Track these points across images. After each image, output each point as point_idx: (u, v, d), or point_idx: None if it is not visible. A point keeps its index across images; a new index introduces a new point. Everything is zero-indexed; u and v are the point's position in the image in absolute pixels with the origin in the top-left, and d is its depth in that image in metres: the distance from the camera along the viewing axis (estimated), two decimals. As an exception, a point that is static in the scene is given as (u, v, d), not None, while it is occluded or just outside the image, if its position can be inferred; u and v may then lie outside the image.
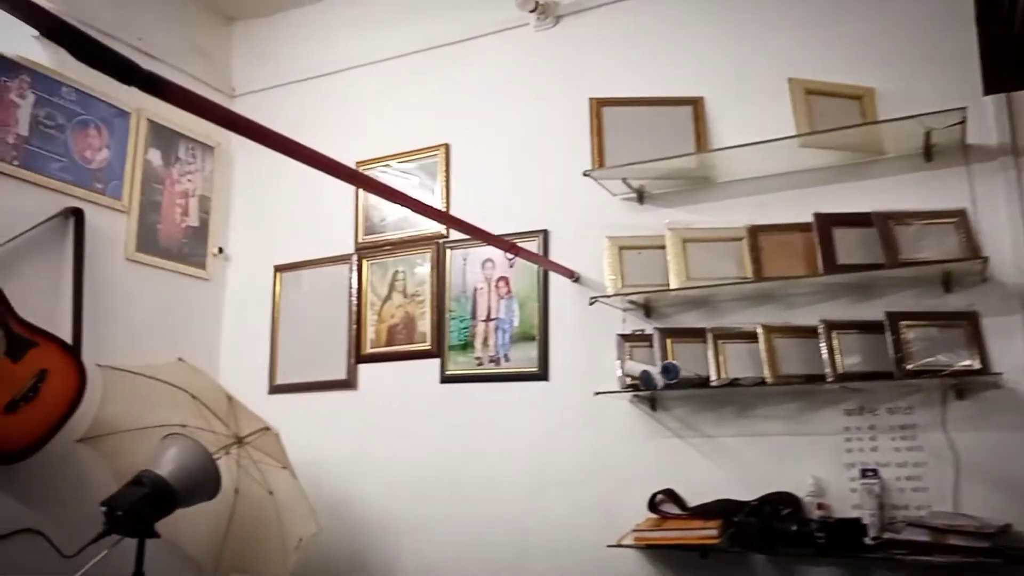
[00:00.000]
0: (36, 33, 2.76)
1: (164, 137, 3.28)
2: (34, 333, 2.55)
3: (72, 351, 2.69)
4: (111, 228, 3.00)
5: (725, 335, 2.46)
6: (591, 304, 2.60)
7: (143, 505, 2.33)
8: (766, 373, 2.34)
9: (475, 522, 2.78)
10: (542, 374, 2.78)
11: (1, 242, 2.57)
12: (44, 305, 2.69)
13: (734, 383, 2.40)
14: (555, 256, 2.81)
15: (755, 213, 2.54)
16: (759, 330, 2.39)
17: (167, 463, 2.43)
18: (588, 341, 2.71)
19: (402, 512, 2.92)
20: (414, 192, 3.00)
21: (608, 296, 2.59)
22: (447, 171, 3.10)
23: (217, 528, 2.76)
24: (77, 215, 2.84)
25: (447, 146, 3.11)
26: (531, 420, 2.77)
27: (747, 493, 2.38)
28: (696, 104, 2.70)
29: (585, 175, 2.65)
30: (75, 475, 2.69)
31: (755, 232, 2.49)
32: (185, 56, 3.41)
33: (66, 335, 2.70)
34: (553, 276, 2.81)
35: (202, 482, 2.44)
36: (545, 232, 2.86)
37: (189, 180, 3.40)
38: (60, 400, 2.60)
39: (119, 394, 2.65)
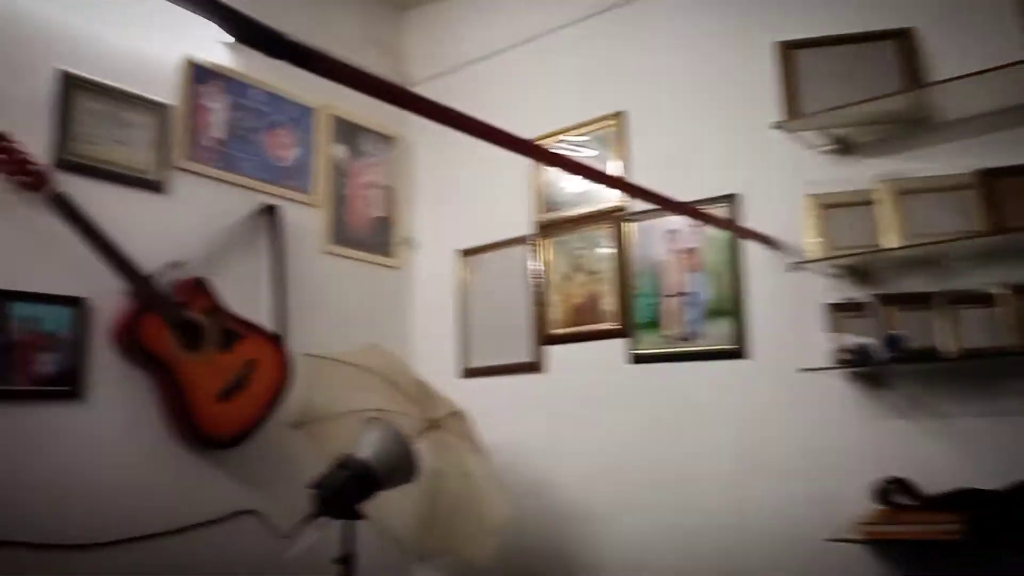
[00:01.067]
0: (227, 40, 2.92)
1: (348, 132, 3.38)
2: (241, 325, 2.71)
3: (277, 341, 2.83)
4: (305, 222, 3.13)
5: (958, 299, 2.14)
6: (790, 271, 2.37)
7: (347, 488, 2.39)
8: (1011, 341, 2.00)
9: (675, 511, 2.63)
10: (740, 351, 2.57)
11: (206, 240, 2.74)
12: (248, 298, 2.84)
13: (972, 354, 2.08)
14: (748, 222, 2.58)
15: (984, 156, 2.19)
16: (1000, 292, 2.06)
17: (368, 446, 2.49)
18: (789, 313, 2.47)
19: (596, 498, 2.83)
20: (591, 165, 2.88)
21: (811, 261, 2.34)
22: (624, 140, 2.95)
23: (421, 511, 2.80)
24: (272, 211, 2.98)
25: (623, 114, 2.96)
26: (730, 401, 2.57)
27: (991, 481, 2.06)
28: (904, 36, 2.37)
29: (776, 128, 2.41)
30: (288, 458, 2.83)
31: (987, 177, 2.15)
32: (361, 49, 3.48)
33: (269, 326, 2.84)
34: (747, 244, 2.59)
35: (402, 465, 2.47)
36: (735, 196, 2.64)
37: (373, 172, 3.48)
38: (268, 388, 2.75)
39: (322, 381, 2.74)
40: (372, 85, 1.23)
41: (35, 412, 2.29)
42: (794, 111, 2.40)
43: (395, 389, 2.70)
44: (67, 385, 2.36)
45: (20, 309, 2.28)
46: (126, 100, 2.61)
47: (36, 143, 2.35)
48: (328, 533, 2.24)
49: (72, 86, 2.48)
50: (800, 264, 2.37)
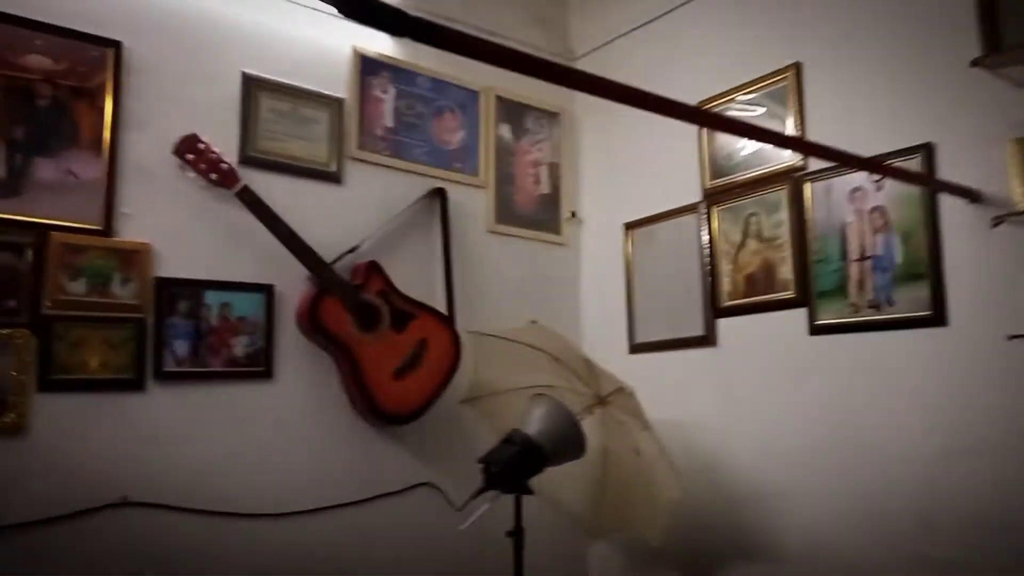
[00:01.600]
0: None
1: (512, 111, 3.39)
2: (413, 306, 2.81)
3: (447, 321, 2.92)
4: (471, 203, 3.19)
5: None
6: (994, 226, 2.08)
7: (514, 463, 2.42)
8: None
9: (864, 492, 2.42)
10: (937, 318, 2.30)
11: (379, 225, 2.86)
12: (418, 279, 2.95)
13: None
14: (943, 173, 2.30)
15: None
16: None
17: (534, 422, 2.50)
18: (994, 273, 2.18)
19: (775, 478, 2.66)
20: (762, 124, 2.69)
21: (1018, 215, 2.05)
22: (800, 94, 2.72)
23: (591, 488, 2.79)
24: (441, 194, 3.06)
25: (798, 66, 2.73)
26: (926, 373, 2.31)
27: None
28: None
29: (974, 66, 2.11)
30: (461, 433, 2.92)
31: None
32: (524, 28, 3.48)
33: (439, 306, 2.93)
34: (942, 199, 2.31)
35: (568, 441, 2.46)
36: (928, 146, 2.36)
37: (538, 149, 3.48)
38: (440, 366, 2.84)
39: (490, 358, 2.79)
40: (458, 42, 1.19)
41: (231, 390, 2.51)
42: (995, 45, 2.10)
43: (560, 365, 2.69)
44: (259, 366, 2.57)
45: (215, 297, 2.51)
46: (303, 96, 2.78)
47: (225, 143, 2.56)
48: (500, 506, 2.28)
49: (254, 87, 2.68)
50: (1005, 218, 2.08)
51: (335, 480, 2.68)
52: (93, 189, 2.33)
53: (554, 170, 3.51)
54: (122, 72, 2.43)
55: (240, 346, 2.54)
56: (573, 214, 3.52)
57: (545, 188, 3.47)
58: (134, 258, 2.37)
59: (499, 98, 3.35)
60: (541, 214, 3.43)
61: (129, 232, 2.39)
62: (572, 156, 3.58)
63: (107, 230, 2.34)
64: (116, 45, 2.42)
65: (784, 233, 2.72)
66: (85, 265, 2.28)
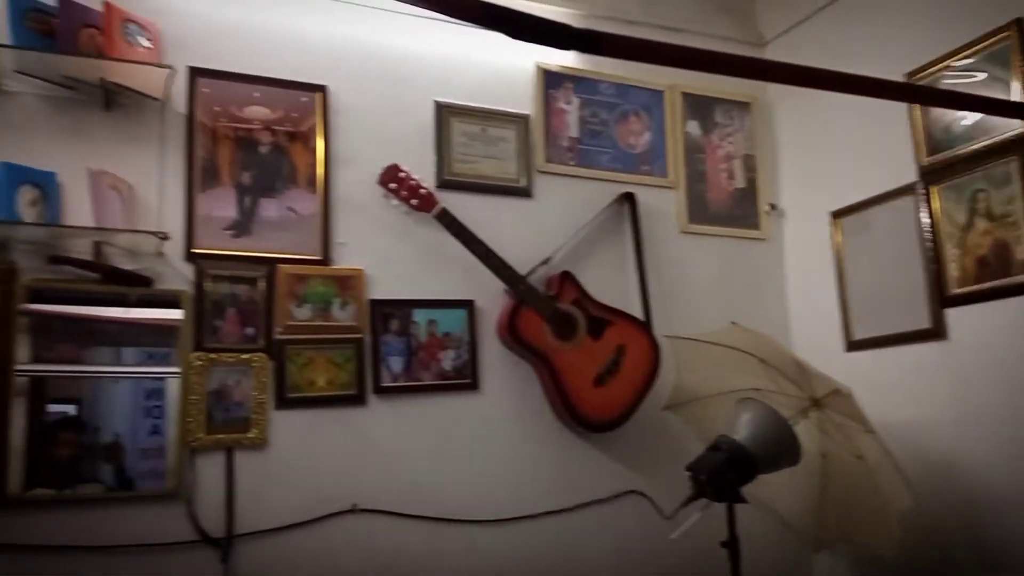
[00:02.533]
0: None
1: (699, 106, 3.30)
2: (608, 312, 2.80)
3: (644, 326, 2.88)
4: (662, 205, 3.13)
5: None
6: None
7: (723, 470, 2.35)
8: None
9: None
10: None
11: (570, 235, 2.89)
12: (612, 286, 2.93)
13: None
14: None
15: None
16: None
17: (742, 428, 2.41)
18: None
19: (1018, 483, 2.36)
20: (983, 91, 2.42)
21: None
22: (1026, 53, 2.41)
23: (811, 495, 2.63)
24: (630, 199, 3.04)
25: (1019, 22, 2.42)
26: None
27: None
28: None
29: None
30: (666, 440, 2.87)
31: None
32: (711, 19, 3.37)
33: (634, 311, 2.90)
34: None
35: (780, 447, 2.35)
36: None
37: (730, 143, 3.35)
38: (640, 372, 2.81)
39: (691, 362, 2.73)
40: (628, 48, 1.17)
41: (442, 402, 2.64)
42: None
43: (767, 367, 2.57)
44: (466, 378, 2.68)
45: (423, 314, 2.65)
46: (491, 117, 2.88)
47: (422, 169, 2.70)
48: (712, 515, 2.22)
49: (446, 113, 2.81)
50: None
51: (542, 487, 2.73)
52: (311, 223, 2.56)
53: (749, 162, 3.37)
54: (329, 113, 2.64)
55: (448, 360, 2.66)
56: (773, 207, 3.35)
57: (740, 182, 3.34)
58: (350, 283, 2.57)
59: (685, 94, 3.27)
60: (737, 209, 3.30)
61: (344, 259, 2.59)
62: (768, 146, 3.41)
63: (325, 259, 2.56)
64: (322, 89, 2.64)
65: (1017, 209, 2.42)
66: (308, 292, 2.50)
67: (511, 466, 2.71)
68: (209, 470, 2.32)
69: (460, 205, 2.70)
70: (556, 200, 2.94)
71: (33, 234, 2.18)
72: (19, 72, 2.21)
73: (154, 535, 2.22)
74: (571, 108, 3.04)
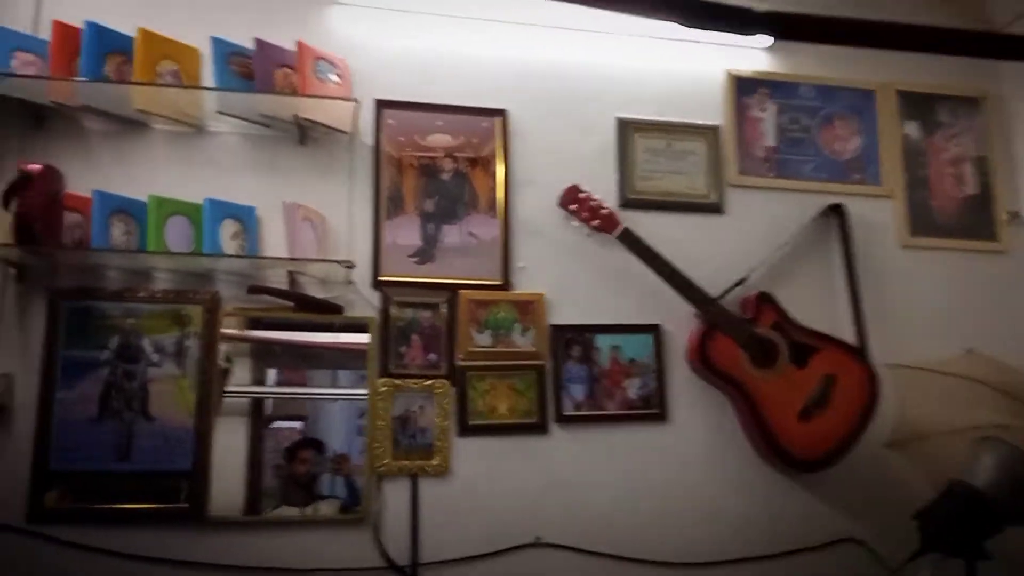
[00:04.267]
0: (765, 45, 2.82)
1: (917, 105, 2.94)
2: (814, 337, 2.53)
3: (857, 353, 2.57)
4: (877, 216, 2.80)
5: None
6: None
7: (958, 520, 2.02)
8: None
9: None
10: None
11: (767, 253, 2.64)
12: (818, 308, 2.64)
13: None
14: None
15: None
16: None
17: (984, 471, 2.07)
18: None
19: None
20: None
21: None
22: None
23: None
24: (838, 211, 2.74)
25: None
26: None
27: None
28: None
29: None
30: (887, 482, 2.52)
31: None
32: (924, 5, 2.99)
33: (846, 336, 2.59)
34: None
35: (1032, 496, 1.99)
36: None
37: (957, 144, 2.95)
38: (853, 404, 2.50)
39: (915, 394, 2.41)
40: (821, 28, 0.98)
41: (627, 433, 2.49)
42: None
43: (1013, 401, 2.18)
44: (653, 408, 2.51)
45: (605, 340, 2.52)
46: (677, 131, 2.72)
47: (604, 189, 2.60)
48: (949, 571, 1.91)
49: (629, 130, 2.69)
50: None
51: (742, 530, 2.48)
52: (491, 247, 2.52)
53: (981, 165, 2.94)
54: (508, 137, 2.61)
55: (633, 388, 2.51)
56: (1014, 215, 2.90)
57: (971, 188, 2.92)
58: (530, 308, 2.50)
59: (900, 93, 2.92)
60: (968, 219, 2.88)
61: (524, 284, 2.52)
62: (1004, 146, 2.97)
63: (506, 284, 2.51)
64: (502, 113, 2.62)
65: None
66: (489, 318, 2.46)
67: (706, 504, 2.49)
68: (395, 496, 2.32)
69: (644, 224, 2.56)
70: (751, 215, 2.71)
71: (234, 265, 2.31)
72: (221, 113, 2.37)
73: (341, 560, 2.24)
74: (767, 115, 2.80)
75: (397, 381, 2.37)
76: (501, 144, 2.60)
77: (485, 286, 2.49)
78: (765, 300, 2.53)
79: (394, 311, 2.41)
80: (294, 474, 2.31)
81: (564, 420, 2.46)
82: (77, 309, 2.24)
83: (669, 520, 2.45)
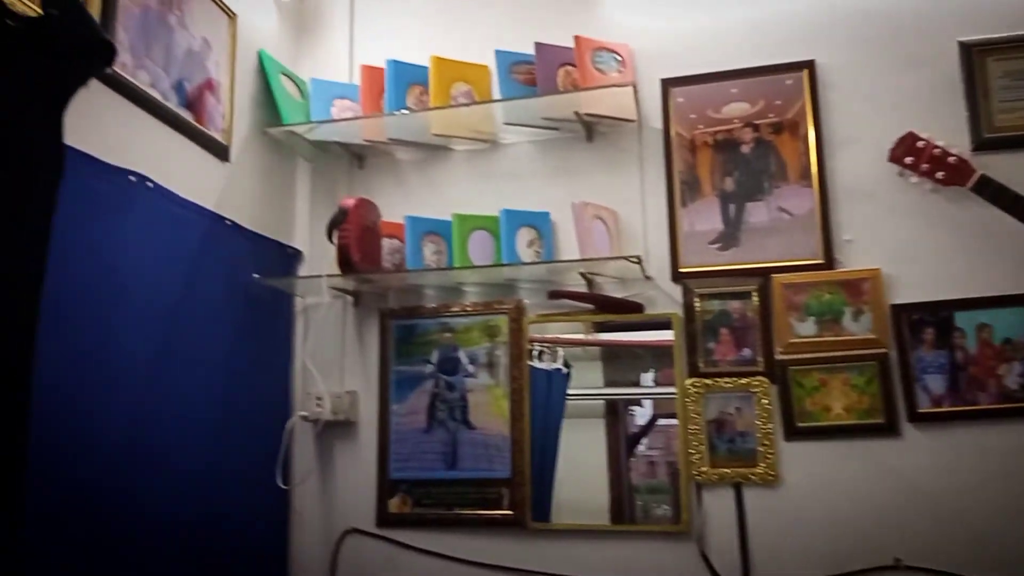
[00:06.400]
0: None
1: None
2: None
3: None
4: None
5: None
6: None
7: None
8: None
9: None
10: None
11: None
12: None
13: None
14: None
15: None
16: None
17: None
18: None
19: None
20: None
21: None
22: None
23: None
24: None
25: None
26: None
27: None
28: None
29: None
30: None
31: None
32: None
33: None
34: None
35: None
36: None
37: None
38: None
39: None
40: None
41: (1003, 432, 1.97)
42: None
43: None
44: (1043, 399, 1.96)
45: (968, 318, 2.04)
46: (1048, 44, 2.12)
47: (948, 132, 2.11)
48: None
49: (976, 55, 2.15)
50: None
51: None
52: (807, 222, 2.19)
53: None
54: (819, 91, 2.25)
55: (1012, 376, 1.99)
56: None
57: None
58: (863, 287, 2.11)
59: None
60: None
61: (852, 260, 2.15)
62: None
63: (828, 262, 2.15)
64: (809, 65, 2.27)
65: None
66: (810, 303, 2.14)
67: None
68: (717, 507, 2.12)
69: (1007, 168, 2.02)
70: None
71: (533, 272, 2.31)
72: (508, 124, 2.39)
73: (664, 571, 2.11)
74: None
75: (708, 381, 2.16)
76: (810, 101, 2.25)
77: (803, 267, 2.17)
78: None
79: (698, 304, 2.21)
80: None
81: (920, 419, 2.03)
82: (403, 327, 2.42)
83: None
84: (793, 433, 2.10)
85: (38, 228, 0.88)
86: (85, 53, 0.94)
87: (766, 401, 2.12)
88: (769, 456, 2.10)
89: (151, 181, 1.83)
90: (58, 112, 0.91)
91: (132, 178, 1.77)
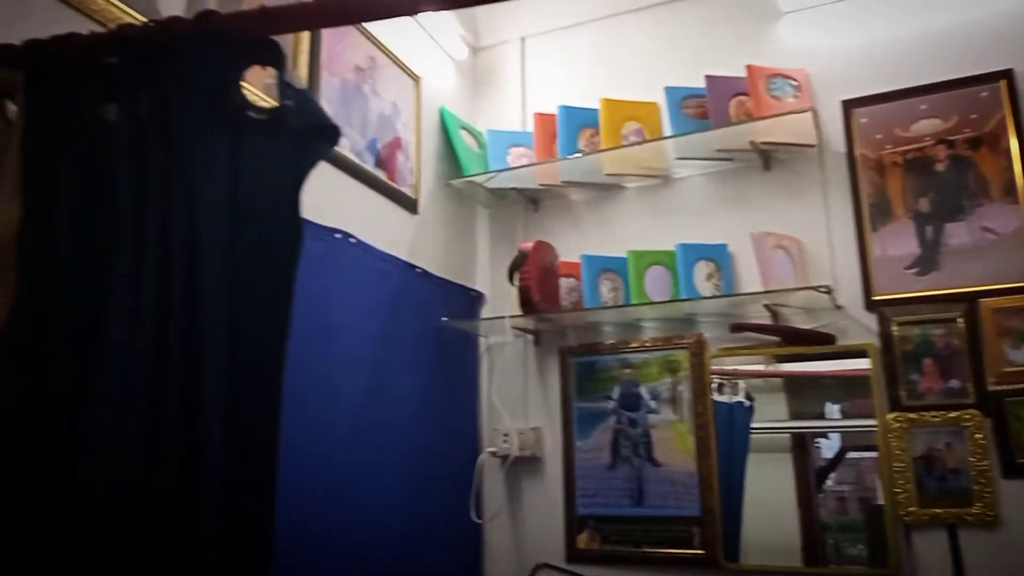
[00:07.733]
0: None
1: None
2: None
3: None
4: None
5: None
6: None
7: None
8: None
9: None
10: None
11: None
12: None
13: None
14: None
15: None
16: None
17: None
18: None
19: None
20: None
21: None
22: None
23: None
24: None
25: None
26: None
27: None
28: None
29: None
30: None
31: None
32: None
33: None
34: None
35: None
36: None
37: None
38: None
39: None
40: None
41: None
42: None
43: None
44: None
45: None
46: None
47: None
48: None
49: None
50: None
51: None
52: (1016, 241, 2.03)
53: None
54: (1019, 100, 2.10)
55: None
56: None
57: None
58: (1088, 310, 1.93)
59: None
60: None
61: (1075, 280, 1.97)
62: None
63: (1042, 284, 1.99)
64: (1007, 75, 2.12)
65: None
66: (1025, 329, 1.98)
67: None
68: (928, 549, 1.98)
69: None
70: None
71: (713, 306, 2.28)
72: (680, 158, 2.39)
73: (873, 620, 1.99)
74: None
75: (912, 415, 2.04)
76: (1010, 112, 2.10)
77: (1014, 290, 2.01)
78: None
79: (897, 333, 2.10)
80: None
81: None
82: (583, 364, 2.46)
83: None
84: (1012, 470, 1.94)
85: (284, 292, 1.00)
86: (317, 137, 1.06)
87: (979, 436, 1.97)
88: (986, 495, 1.94)
89: (354, 237, 1.99)
90: (297, 189, 1.03)
91: (338, 235, 1.94)
